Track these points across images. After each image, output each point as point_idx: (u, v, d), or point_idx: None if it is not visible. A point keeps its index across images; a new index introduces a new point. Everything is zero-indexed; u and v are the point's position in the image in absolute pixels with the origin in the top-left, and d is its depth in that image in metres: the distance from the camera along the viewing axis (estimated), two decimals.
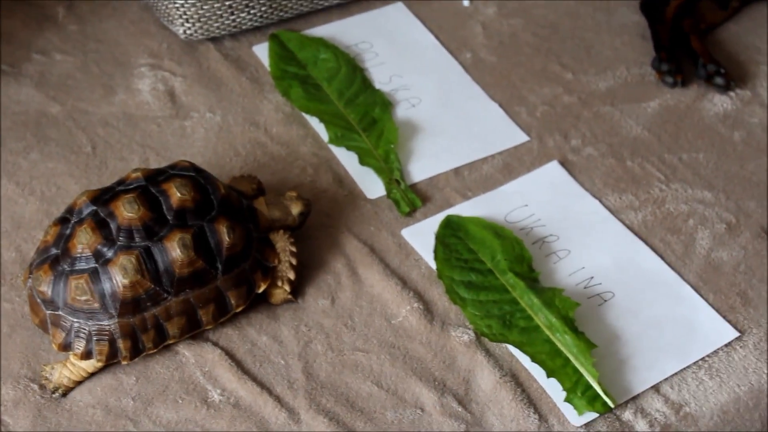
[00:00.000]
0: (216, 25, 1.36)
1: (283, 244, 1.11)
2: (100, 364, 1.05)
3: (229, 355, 1.08)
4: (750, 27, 1.45)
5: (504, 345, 1.10)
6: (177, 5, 1.34)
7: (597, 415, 1.05)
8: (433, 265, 1.16)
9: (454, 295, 1.12)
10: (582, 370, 1.06)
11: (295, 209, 1.14)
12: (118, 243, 1.03)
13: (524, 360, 1.08)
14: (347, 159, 1.26)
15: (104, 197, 1.06)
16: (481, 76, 1.37)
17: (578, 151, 1.28)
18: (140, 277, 1.03)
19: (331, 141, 1.26)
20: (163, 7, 1.35)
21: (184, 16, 1.34)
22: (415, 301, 1.13)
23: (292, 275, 1.11)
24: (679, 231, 1.21)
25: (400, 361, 1.08)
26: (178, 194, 1.05)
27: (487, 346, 1.10)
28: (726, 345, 1.11)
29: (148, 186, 1.06)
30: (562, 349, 1.07)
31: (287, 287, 1.10)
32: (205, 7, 1.34)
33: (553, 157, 1.28)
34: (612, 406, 1.04)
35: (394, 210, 1.22)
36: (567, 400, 1.05)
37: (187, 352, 1.08)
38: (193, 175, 1.08)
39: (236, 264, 1.07)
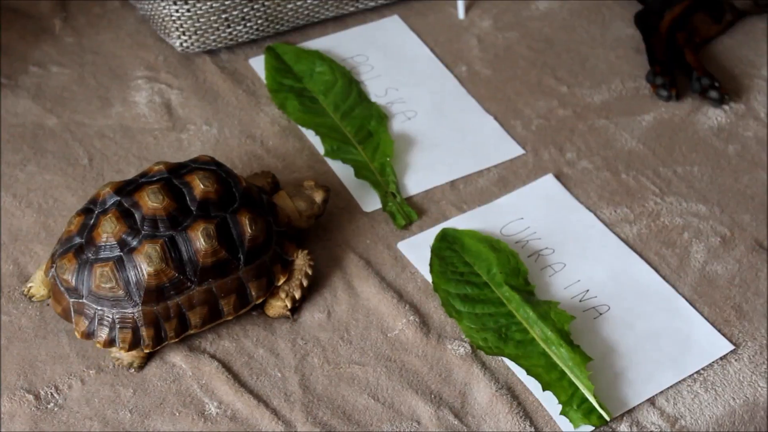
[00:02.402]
0: (212, 37, 1.37)
1: (302, 263, 1.12)
2: None
3: (226, 367, 1.08)
4: (744, 41, 1.46)
5: (500, 358, 1.10)
6: (173, 18, 1.34)
7: (593, 428, 1.05)
8: (429, 278, 1.16)
9: (449, 308, 1.13)
10: (578, 383, 1.06)
11: (318, 197, 1.16)
12: (143, 232, 1.04)
13: (520, 373, 1.09)
14: (343, 172, 1.26)
15: (128, 188, 1.07)
16: (477, 89, 1.37)
17: (573, 165, 1.29)
18: (165, 266, 1.04)
19: (327, 154, 1.27)
20: (160, 20, 1.36)
21: (181, 29, 1.35)
22: (411, 314, 1.13)
23: (298, 294, 1.11)
24: (674, 244, 1.21)
25: (396, 374, 1.09)
26: (202, 186, 1.07)
27: (483, 359, 1.10)
28: (721, 358, 1.11)
29: (171, 178, 1.07)
30: (558, 362, 1.08)
31: (288, 303, 1.11)
32: (202, 20, 1.35)
33: (548, 170, 1.28)
34: (608, 419, 1.05)
35: (390, 223, 1.22)
36: (563, 413, 1.05)
37: (184, 364, 1.08)
38: (215, 169, 1.10)
39: (257, 256, 1.08)
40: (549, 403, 1.07)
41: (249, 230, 1.08)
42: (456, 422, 1.05)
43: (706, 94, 1.36)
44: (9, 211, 1.20)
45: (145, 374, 1.07)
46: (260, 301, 1.10)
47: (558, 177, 1.27)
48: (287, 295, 1.11)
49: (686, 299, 1.16)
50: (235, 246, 1.07)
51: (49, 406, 1.05)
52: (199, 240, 1.05)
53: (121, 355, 1.06)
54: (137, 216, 1.05)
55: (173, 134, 1.29)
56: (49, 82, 1.34)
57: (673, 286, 1.17)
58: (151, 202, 1.05)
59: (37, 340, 1.09)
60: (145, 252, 1.03)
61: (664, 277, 1.18)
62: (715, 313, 1.15)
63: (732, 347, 1.12)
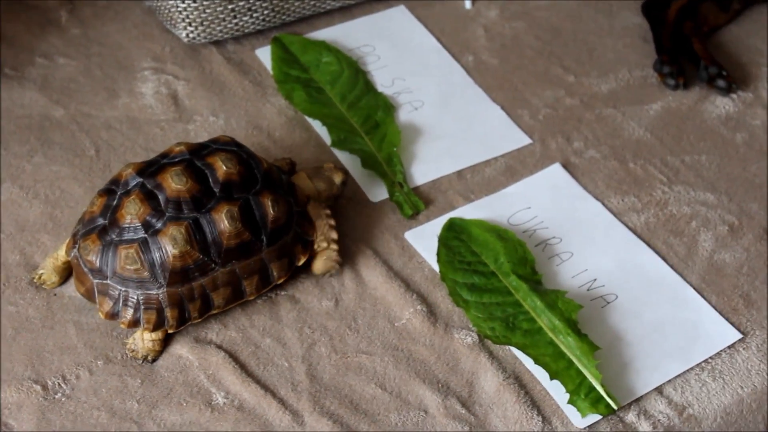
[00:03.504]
0: (219, 28, 1.37)
1: (315, 212, 1.13)
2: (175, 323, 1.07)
3: (233, 357, 1.08)
4: (751, 29, 1.45)
5: (507, 347, 1.10)
6: (180, 9, 1.34)
7: (600, 417, 1.05)
8: (436, 267, 1.16)
9: (457, 297, 1.13)
10: (585, 372, 1.06)
11: (338, 179, 1.17)
12: (167, 214, 1.05)
13: (527, 362, 1.09)
14: (350, 162, 1.26)
15: (150, 170, 1.08)
16: (484, 78, 1.37)
17: (581, 154, 1.29)
18: (189, 248, 1.05)
19: (334, 144, 1.27)
20: (166, 11, 1.36)
21: (187, 20, 1.35)
22: (419, 304, 1.13)
23: (334, 234, 1.13)
24: (682, 233, 1.21)
25: (403, 363, 1.09)
26: (224, 168, 1.07)
27: (490, 348, 1.10)
28: (729, 347, 1.11)
29: (193, 159, 1.08)
30: (566, 351, 1.08)
31: (335, 246, 1.12)
32: (208, 10, 1.34)
33: (556, 159, 1.28)
34: (615, 408, 1.05)
35: (397, 213, 1.22)
36: (570, 402, 1.05)
37: (190, 355, 1.08)
38: (236, 150, 1.10)
39: (279, 236, 1.09)
40: (556, 392, 1.07)
41: (272, 212, 1.08)
42: (463, 411, 1.05)
43: (714, 83, 1.35)
44: (16, 202, 1.20)
45: (152, 365, 1.07)
46: (281, 281, 1.10)
47: (565, 166, 1.27)
48: (329, 242, 1.12)
49: (694, 288, 1.16)
50: (258, 227, 1.08)
51: (56, 397, 1.05)
52: (223, 222, 1.06)
53: (137, 347, 1.07)
54: (161, 198, 1.05)
55: (180, 125, 1.29)
56: (56, 74, 1.35)
57: (681, 275, 1.17)
58: (174, 184, 1.05)
59: (44, 330, 1.09)
60: (170, 234, 1.04)
61: (671, 266, 1.18)
62: (723, 302, 1.15)
63: (740, 336, 1.12)
